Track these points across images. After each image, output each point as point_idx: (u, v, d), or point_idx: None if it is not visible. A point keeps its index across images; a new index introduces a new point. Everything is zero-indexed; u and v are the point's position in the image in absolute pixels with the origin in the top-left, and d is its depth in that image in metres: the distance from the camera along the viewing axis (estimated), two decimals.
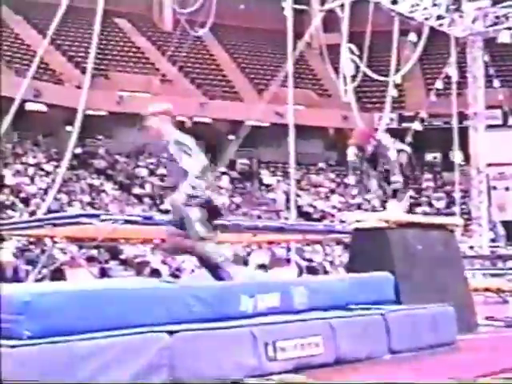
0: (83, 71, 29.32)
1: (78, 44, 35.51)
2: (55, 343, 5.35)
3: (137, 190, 30.85)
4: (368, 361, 7.18)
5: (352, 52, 19.11)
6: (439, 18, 22.46)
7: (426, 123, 27.99)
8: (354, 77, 19.57)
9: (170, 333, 5.97)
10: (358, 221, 9.82)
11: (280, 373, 6.55)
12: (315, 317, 7.20)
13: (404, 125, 32.73)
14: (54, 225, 8.76)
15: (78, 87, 27.34)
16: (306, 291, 7.40)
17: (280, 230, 10.87)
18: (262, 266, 18.67)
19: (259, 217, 28.85)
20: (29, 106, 31.30)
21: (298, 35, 21.69)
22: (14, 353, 5.10)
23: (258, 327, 6.62)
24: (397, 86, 22.82)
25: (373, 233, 9.40)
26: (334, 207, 33.47)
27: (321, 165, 38.78)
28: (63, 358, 5.31)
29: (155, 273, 21.30)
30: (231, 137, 33.37)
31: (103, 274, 20.55)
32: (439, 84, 23.98)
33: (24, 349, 5.18)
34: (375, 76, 21.72)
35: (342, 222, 25.61)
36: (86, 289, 6.31)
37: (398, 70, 21.90)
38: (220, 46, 41.03)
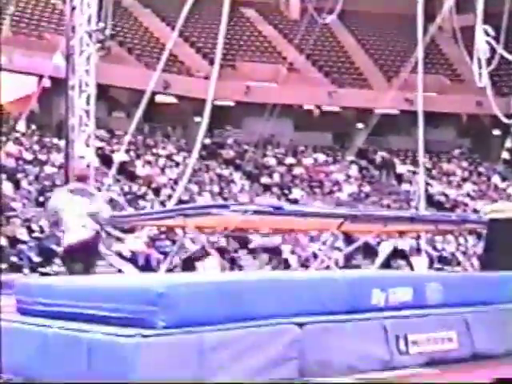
0: (211, 62, 29.69)
1: (205, 35, 35.92)
2: (188, 333, 5.39)
3: (265, 180, 30.98)
4: (507, 357, 6.89)
5: (487, 34, 18.24)
6: None
7: None
8: (489, 60, 18.71)
9: (300, 325, 5.91)
10: (494, 210, 9.42)
11: (412, 366, 6.39)
12: (448, 312, 6.96)
13: None
14: (185, 215, 8.80)
15: (206, 78, 27.67)
16: (440, 287, 7.12)
17: (411, 220, 10.56)
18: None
19: (388, 206, 28.40)
20: (158, 98, 31.99)
21: (428, 18, 21.06)
22: (147, 342, 5.18)
23: (388, 320, 6.46)
24: None
25: (511, 223, 8.97)
26: (467, 195, 32.52)
27: (453, 152, 37.74)
28: (195, 348, 5.35)
29: (284, 263, 21.36)
30: (360, 125, 32.99)
31: (233, 263, 20.79)
32: None
33: (158, 339, 5.25)
34: None
35: (475, 211, 24.83)
36: (217, 280, 6.32)
37: None
38: (348, 33, 40.44)
